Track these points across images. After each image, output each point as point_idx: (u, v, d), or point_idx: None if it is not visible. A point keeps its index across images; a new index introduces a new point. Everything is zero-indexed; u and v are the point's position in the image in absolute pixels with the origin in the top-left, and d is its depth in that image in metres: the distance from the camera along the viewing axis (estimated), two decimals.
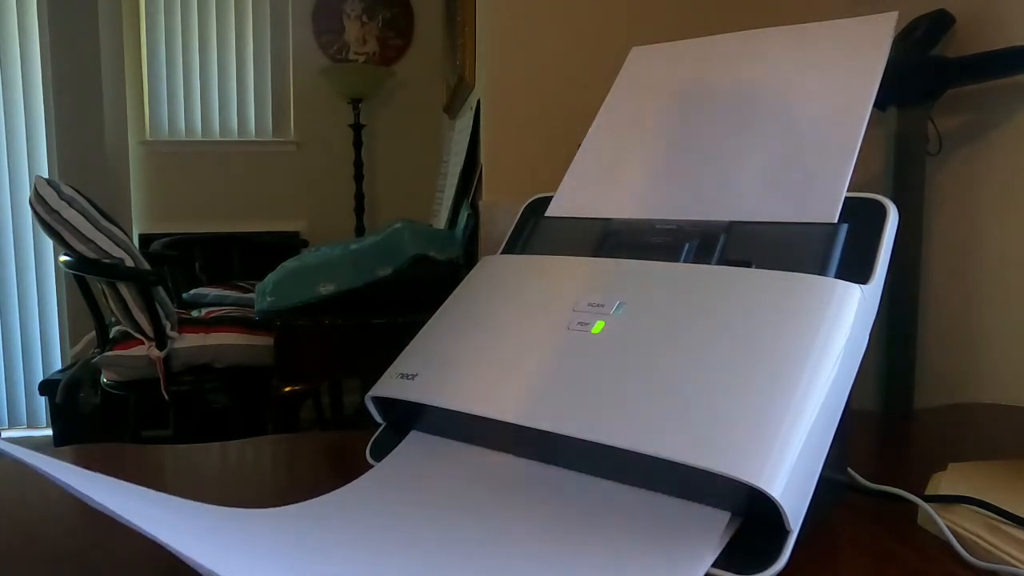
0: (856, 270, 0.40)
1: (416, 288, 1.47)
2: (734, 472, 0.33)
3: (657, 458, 0.35)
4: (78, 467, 0.32)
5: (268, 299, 1.47)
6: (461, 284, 0.52)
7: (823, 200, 0.43)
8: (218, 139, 3.04)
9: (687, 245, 0.45)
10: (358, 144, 2.92)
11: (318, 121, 3.07)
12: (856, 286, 0.39)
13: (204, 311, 2.05)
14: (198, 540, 0.30)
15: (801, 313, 0.38)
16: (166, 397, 1.76)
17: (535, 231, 0.53)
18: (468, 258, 1.67)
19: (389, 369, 0.47)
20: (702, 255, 0.45)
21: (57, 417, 2.50)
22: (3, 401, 2.82)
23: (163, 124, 3.02)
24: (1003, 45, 1.02)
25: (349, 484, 0.43)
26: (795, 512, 0.33)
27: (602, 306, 0.43)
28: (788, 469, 0.33)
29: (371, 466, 0.46)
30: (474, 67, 1.96)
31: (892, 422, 0.72)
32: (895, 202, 0.42)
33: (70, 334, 2.84)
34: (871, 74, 0.46)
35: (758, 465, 0.33)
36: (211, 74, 3.02)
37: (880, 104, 1.13)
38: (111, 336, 1.89)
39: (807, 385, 0.35)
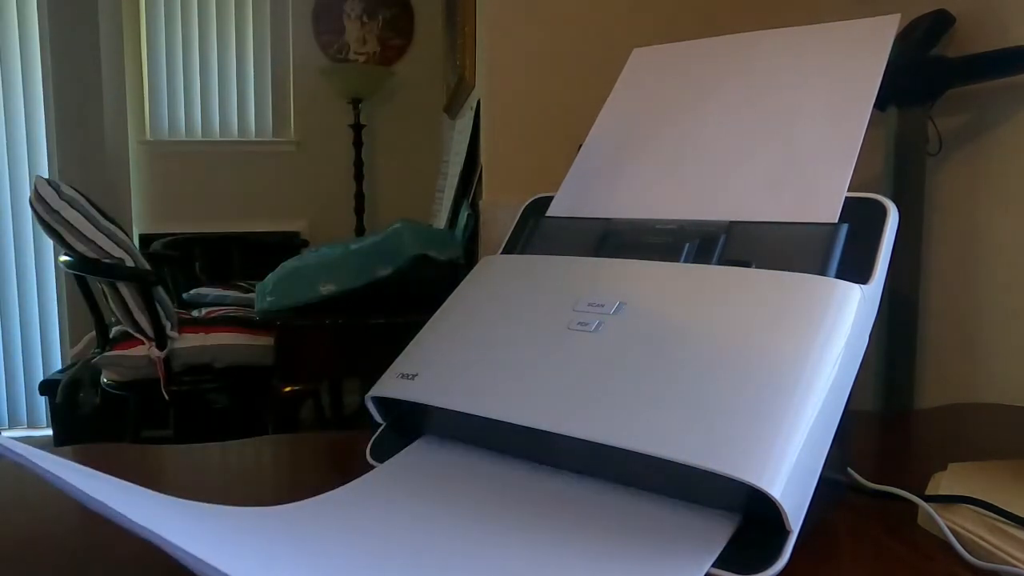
0: (856, 270, 0.40)
1: (416, 288, 1.47)
2: (734, 472, 0.33)
3: (657, 458, 0.35)
4: (75, 464, 0.32)
5: (268, 299, 1.47)
6: (461, 284, 0.52)
7: (823, 200, 0.43)
8: (218, 139, 3.04)
9: (687, 245, 0.45)
10: (358, 144, 2.92)
11: (318, 121, 3.07)
12: (856, 286, 0.39)
13: (204, 311, 2.05)
14: (195, 539, 0.30)
15: (801, 313, 0.38)
16: (166, 397, 1.76)
17: (535, 231, 0.53)
18: (468, 258, 1.67)
19: (389, 369, 0.47)
20: (702, 255, 0.45)
21: (57, 417, 2.50)
22: (3, 401, 2.82)
23: (163, 124, 3.02)
24: (1003, 45, 1.02)
25: (349, 483, 0.43)
26: (795, 512, 0.33)
27: (602, 306, 0.43)
28: (788, 469, 0.33)
29: (371, 466, 0.46)
30: (474, 67, 1.96)
31: (892, 422, 0.72)
32: (895, 202, 0.42)
33: (70, 334, 2.84)
34: (871, 76, 0.46)
35: (758, 465, 0.33)
36: (211, 74, 3.02)
37: (880, 104, 1.13)
38: (111, 336, 1.89)
39: (807, 385, 0.35)
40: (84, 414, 2.36)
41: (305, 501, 0.41)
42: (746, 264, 0.43)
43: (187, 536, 0.28)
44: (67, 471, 0.29)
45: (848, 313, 0.38)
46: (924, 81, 1.10)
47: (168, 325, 1.78)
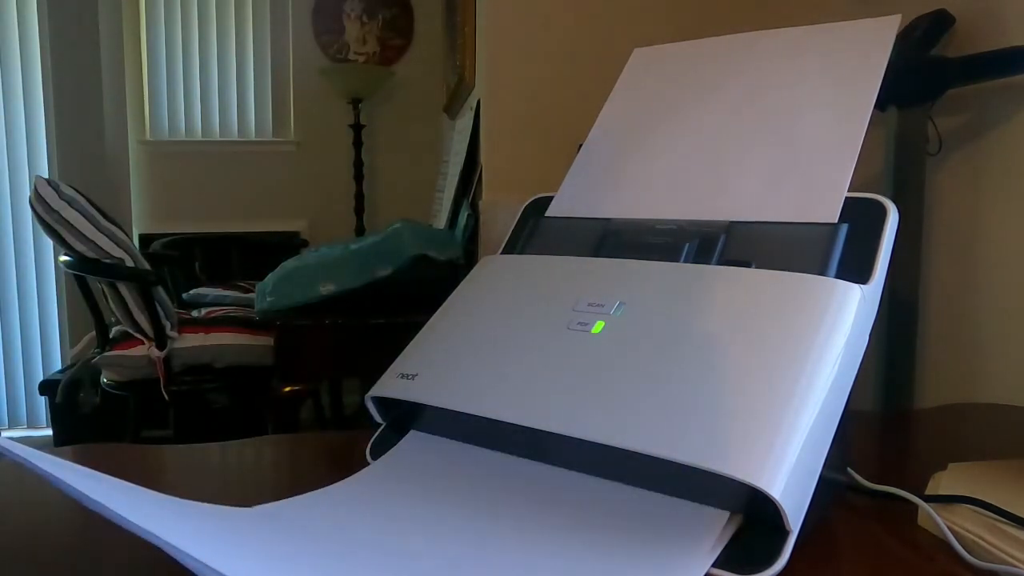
0: (856, 270, 0.40)
1: (416, 288, 1.46)
2: (734, 472, 0.33)
3: (657, 458, 0.35)
4: (76, 464, 0.32)
5: (268, 299, 1.47)
6: (461, 284, 0.52)
7: (824, 200, 0.43)
8: (218, 139, 3.04)
9: (687, 245, 0.45)
10: (358, 144, 2.92)
11: (318, 121, 3.07)
12: (856, 286, 0.39)
13: (204, 311, 2.05)
14: (192, 539, 0.30)
15: (801, 313, 0.38)
16: (166, 397, 1.76)
17: (535, 231, 0.53)
18: (468, 258, 1.67)
19: (389, 369, 0.47)
20: (702, 255, 0.45)
21: (57, 417, 2.50)
22: (3, 401, 2.82)
23: (163, 124, 3.02)
24: (1003, 45, 1.02)
25: (345, 480, 0.43)
26: (795, 512, 0.33)
27: (602, 306, 0.43)
28: (788, 469, 0.33)
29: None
30: (474, 67, 1.96)
31: (892, 422, 0.72)
32: (895, 202, 0.42)
33: (70, 334, 2.84)
34: (872, 76, 0.46)
35: (758, 465, 0.33)
36: (211, 74, 3.02)
37: (880, 104, 1.13)
38: (111, 336, 1.89)
39: (807, 385, 0.35)
40: (84, 414, 2.36)
41: (301, 496, 0.41)
42: (746, 264, 0.43)
43: (185, 536, 0.28)
44: (66, 471, 0.29)
45: (848, 313, 0.38)
46: (924, 81, 1.09)
47: (168, 325, 1.77)
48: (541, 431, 0.38)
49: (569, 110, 1.62)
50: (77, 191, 1.74)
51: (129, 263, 1.73)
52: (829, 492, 0.40)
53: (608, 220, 0.50)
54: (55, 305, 2.84)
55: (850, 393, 0.38)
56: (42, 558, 0.37)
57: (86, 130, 2.84)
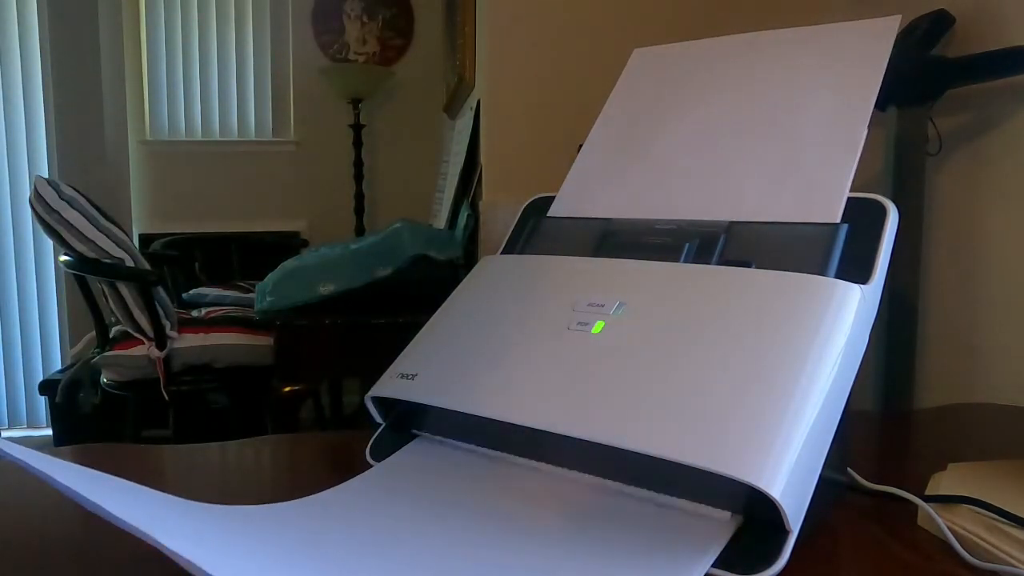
0: (856, 270, 0.40)
1: (416, 288, 1.47)
2: (734, 472, 0.33)
3: (657, 458, 0.35)
4: (74, 465, 0.32)
5: (268, 299, 1.47)
6: (461, 284, 0.52)
7: (825, 200, 0.43)
8: (218, 139, 3.04)
9: (687, 245, 0.45)
10: (358, 144, 2.92)
11: (318, 121, 3.07)
12: (856, 286, 0.39)
13: (204, 311, 2.05)
14: (190, 542, 0.30)
15: (801, 313, 0.38)
16: (166, 397, 1.76)
17: (535, 231, 0.53)
18: (468, 258, 1.67)
19: (389, 369, 0.47)
20: (702, 255, 0.45)
21: (57, 417, 2.50)
22: (3, 401, 2.82)
23: (163, 124, 3.02)
24: (1003, 45, 1.02)
25: (347, 482, 0.43)
26: (795, 512, 0.33)
27: (602, 306, 0.43)
28: (788, 469, 0.33)
29: (371, 466, 0.46)
30: (474, 67, 1.96)
31: (892, 422, 0.72)
32: (895, 202, 0.42)
33: (70, 334, 2.84)
34: (872, 76, 0.46)
35: (758, 465, 0.33)
36: (211, 74, 3.02)
37: (880, 104, 1.13)
38: (111, 336, 1.89)
39: (807, 385, 0.35)
40: (84, 414, 2.36)
41: (301, 499, 0.41)
42: (746, 264, 0.43)
43: (183, 539, 0.28)
44: (63, 472, 0.29)
45: (848, 313, 0.38)
46: (924, 81, 1.10)
47: (168, 325, 1.77)
48: (541, 431, 0.38)
49: (569, 110, 1.62)
50: (77, 191, 1.74)
51: (129, 263, 1.73)
52: (829, 492, 0.40)
53: (608, 220, 0.50)
54: (55, 305, 2.84)
55: (850, 393, 0.38)
56: (42, 558, 0.37)
57: (86, 130, 2.83)
